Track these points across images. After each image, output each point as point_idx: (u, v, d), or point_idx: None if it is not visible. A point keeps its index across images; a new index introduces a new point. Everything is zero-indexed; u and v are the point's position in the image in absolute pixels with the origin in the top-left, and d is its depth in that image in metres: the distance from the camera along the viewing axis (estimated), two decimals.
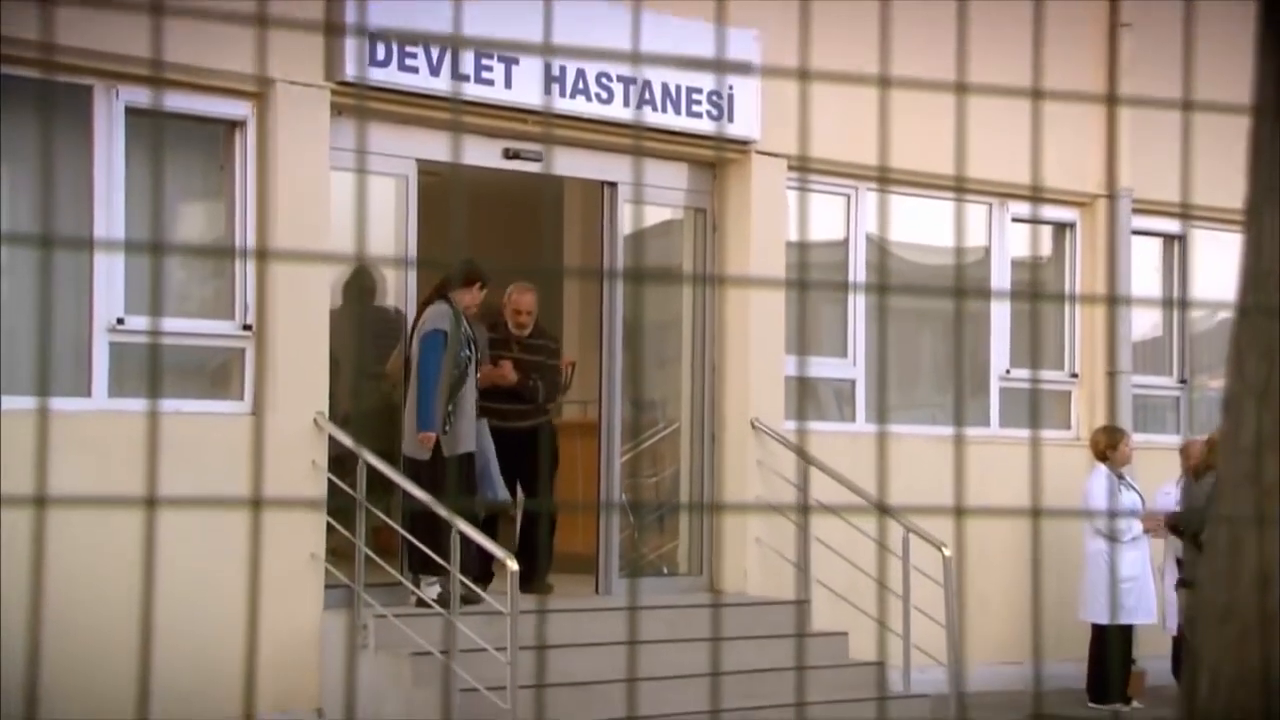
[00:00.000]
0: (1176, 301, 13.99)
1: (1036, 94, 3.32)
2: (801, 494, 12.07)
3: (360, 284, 11.64)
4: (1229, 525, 2.84)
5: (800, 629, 11.86)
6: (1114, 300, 13.05)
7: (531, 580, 11.66)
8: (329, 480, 10.70)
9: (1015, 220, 13.94)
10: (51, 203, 9.81)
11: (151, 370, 10.51)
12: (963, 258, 13.70)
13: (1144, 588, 12.75)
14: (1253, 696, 2.73)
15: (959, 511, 2.80)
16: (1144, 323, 14.84)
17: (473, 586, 10.38)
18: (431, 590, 10.75)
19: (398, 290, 11.67)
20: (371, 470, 10.47)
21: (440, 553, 10.21)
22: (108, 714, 9.59)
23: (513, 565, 9.96)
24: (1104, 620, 12.59)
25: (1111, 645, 12.71)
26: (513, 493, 11.82)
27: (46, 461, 2.95)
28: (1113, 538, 12.62)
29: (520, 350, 11.92)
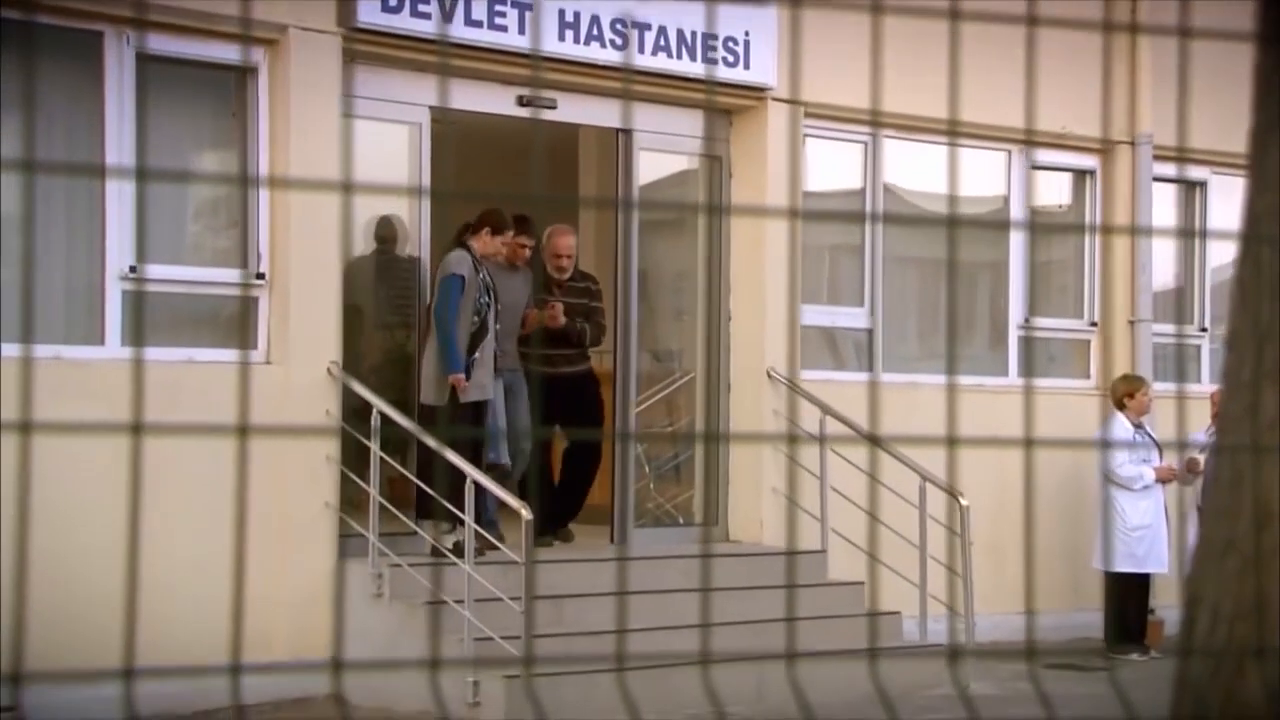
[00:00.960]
0: (1198, 233, 13.87)
1: (1031, 21, 3.24)
2: (815, 439, 12.02)
3: (380, 234, 11.59)
4: (1230, 460, 2.81)
5: (816, 579, 11.83)
6: (1135, 232, 12.92)
7: (556, 527, 11.72)
8: (345, 431, 10.67)
9: (1034, 168, 13.83)
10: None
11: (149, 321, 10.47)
12: (977, 205, 13.60)
13: (1156, 536, 12.69)
14: (1251, 631, 2.70)
15: (951, 441, 2.75)
16: (1164, 273, 14.73)
17: (487, 535, 10.38)
18: (448, 539, 10.72)
19: (413, 237, 11.59)
20: (387, 421, 10.44)
21: (454, 501, 10.19)
22: (114, 663, 9.58)
23: (526, 515, 9.94)
24: (1114, 568, 12.56)
25: (1110, 592, 12.67)
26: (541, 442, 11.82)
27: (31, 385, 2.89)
28: (1108, 478, 12.52)
29: (562, 293, 11.73)
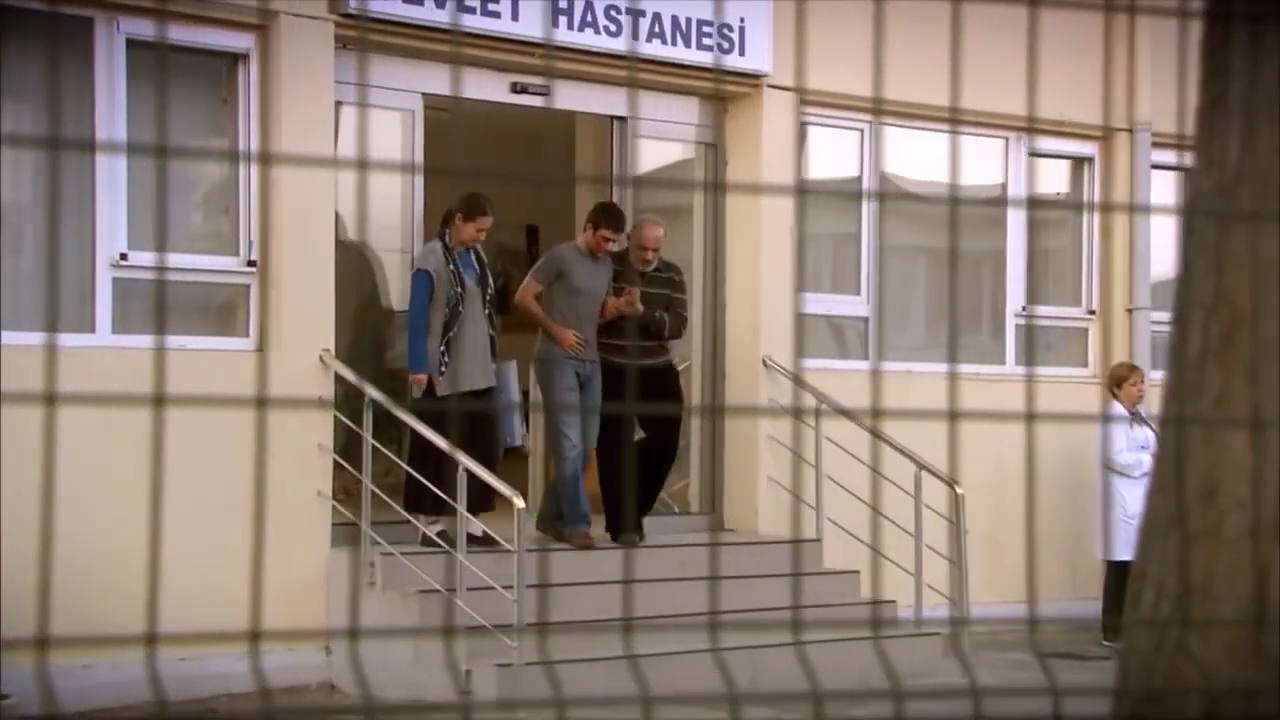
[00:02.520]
0: (1192, 212, 13.79)
1: (1033, 2, 3.21)
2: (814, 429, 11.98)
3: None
4: (1174, 437, 2.80)
5: (812, 567, 11.80)
6: (1133, 209, 12.87)
7: (622, 527, 11.45)
8: (339, 420, 10.64)
9: (1032, 155, 13.78)
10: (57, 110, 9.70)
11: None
12: (973, 191, 13.54)
13: None
14: (1196, 607, 2.71)
15: (953, 416, 2.73)
16: (1162, 262, 14.67)
17: (474, 520, 10.33)
18: (434, 528, 10.69)
19: (405, 224, 11.54)
20: (382, 411, 10.41)
21: (443, 490, 10.17)
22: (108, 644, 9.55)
23: (519, 503, 9.90)
24: (1114, 556, 12.52)
25: (1110, 580, 12.63)
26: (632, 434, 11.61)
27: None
28: (1108, 466, 12.46)
29: (643, 283, 11.50)
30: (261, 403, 2.75)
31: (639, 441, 11.75)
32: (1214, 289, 2.79)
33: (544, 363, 11.24)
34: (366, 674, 9.97)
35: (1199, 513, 2.75)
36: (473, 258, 10.82)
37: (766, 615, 10.95)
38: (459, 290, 10.65)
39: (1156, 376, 13.42)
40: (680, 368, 12.76)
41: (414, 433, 10.39)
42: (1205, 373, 2.79)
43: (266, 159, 10.42)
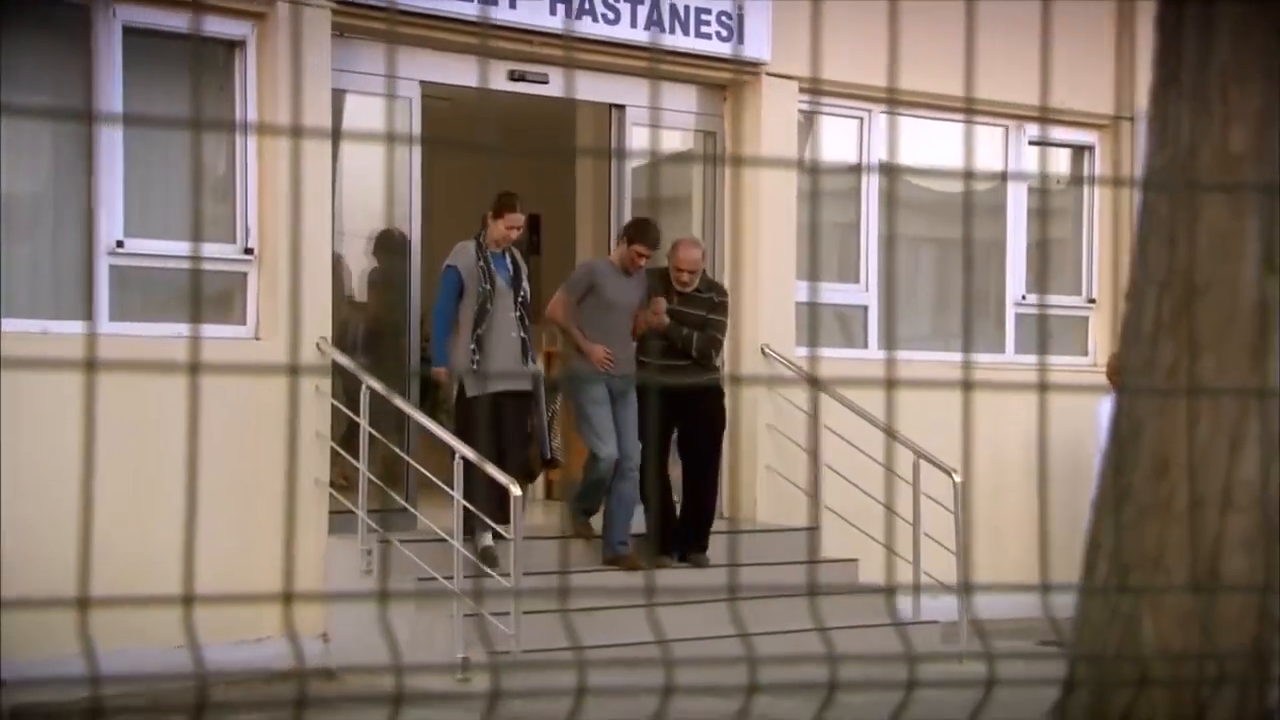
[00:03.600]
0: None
1: None
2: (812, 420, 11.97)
3: (388, 244, 11.57)
4: (1128, 411, 2.81)
5: (811, 555, 11.79)
6: (1133, 183, 12.80)
7: (686, 548, 11.26)
8: (337, 408, 10.66)
9: (1032, 143, 13.75)
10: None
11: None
12: (974, 181, 13.51)
13: None
14: (1148, 578, 2.72)
15: (967, 385, 2.74)
16: None
17: (486, 519, 10.26)
18: (483, 539, 10.46)
19: (402, 210, 11.52)
20: (383, 403, 10.40)
21: (481, 503, 10.08)
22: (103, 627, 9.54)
23: (516, 491, 9.90)
24: None
25: None
26: (666, 452, 11.31)
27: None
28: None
29: (680, 302, 11.24)
30: (294, 370, 2.74)
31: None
32: (1167, 264, 2.79)
33: (573, 378, 11.07)
34: (361, 661, 10.02)
35: (1151, 486, 2.76)
36: (507, 259, 10.63)
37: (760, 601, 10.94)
38: (488, 288, 10.47)
39: None
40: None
41: (460, 437, 10.12)
42: (1158, 347, 2.80)
43: (265, 130, 10.41)
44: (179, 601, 2.94)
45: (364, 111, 11.30)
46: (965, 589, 11.25)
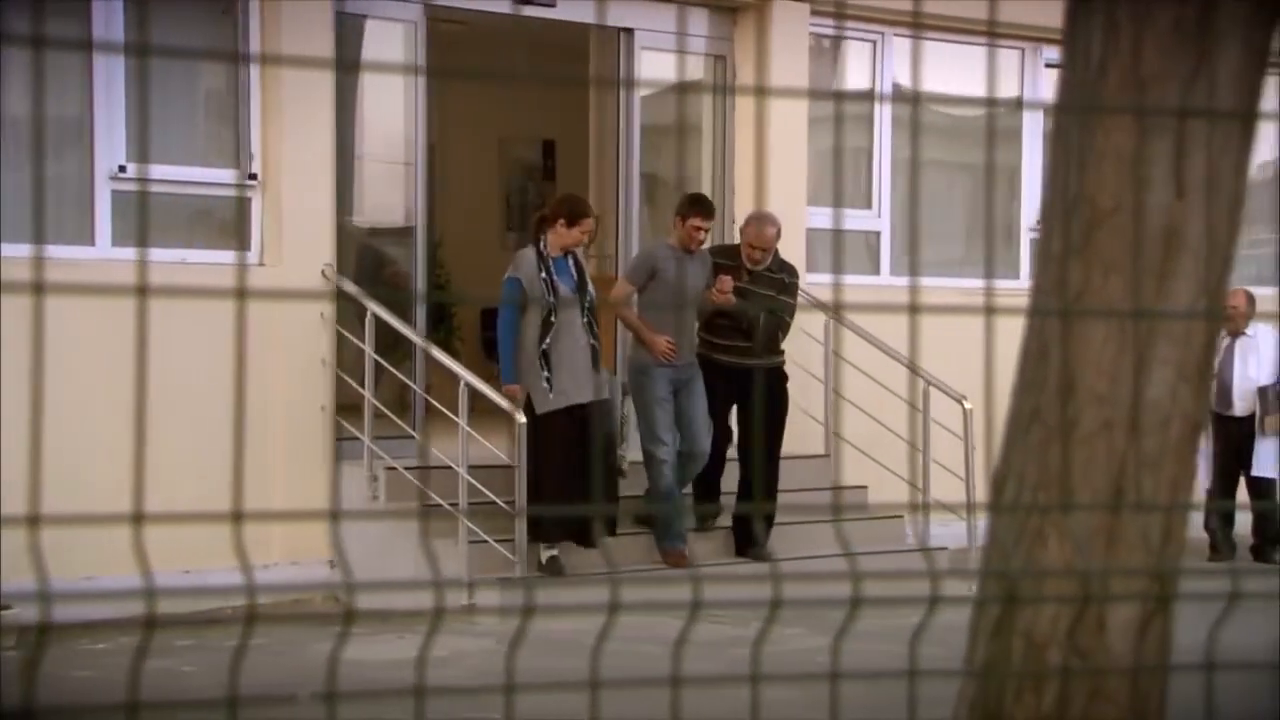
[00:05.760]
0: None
1: None
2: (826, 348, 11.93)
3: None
4: (1037, 333, 2.79)
5: (822, 483, 11.78)
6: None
7: (748, 540, 10.97)
8: (341, 334, 10.67)
9: (1049, 66, 13.60)
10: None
11: None
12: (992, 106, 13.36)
13: None
14: (1054, 498, 2.73)
15: (989, 311, 2.73)
16: None
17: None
18: (546, 554, 10.21)
19: (408, 137, 11.46)
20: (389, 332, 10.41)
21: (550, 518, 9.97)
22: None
23: (520, 419, 9.90)
24: None
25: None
26: (728, 436, 11.04)
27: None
28: None
29: (749, 281, 10.89)
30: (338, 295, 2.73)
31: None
32: (1076, 187, 2.76)
33: (636, 371, 10.71)
34: (368, 589, 10.05)
35: (1058, 407, 2.75)
36: (569, 264, 10.22)
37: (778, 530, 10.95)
38: (552, 299, 10.05)
39: None
40: None
41: (531, 453, 9.92)
42: (1067, 269, 2.78)
43: (265, 60, 10.37)
44: (129, 520, 2.93)
45: (377, 37, 11.23)
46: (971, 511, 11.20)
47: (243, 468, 9.43)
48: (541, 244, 10.12)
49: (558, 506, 9.96)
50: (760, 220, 11.02)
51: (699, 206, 10.68)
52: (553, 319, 10.00)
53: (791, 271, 11.17)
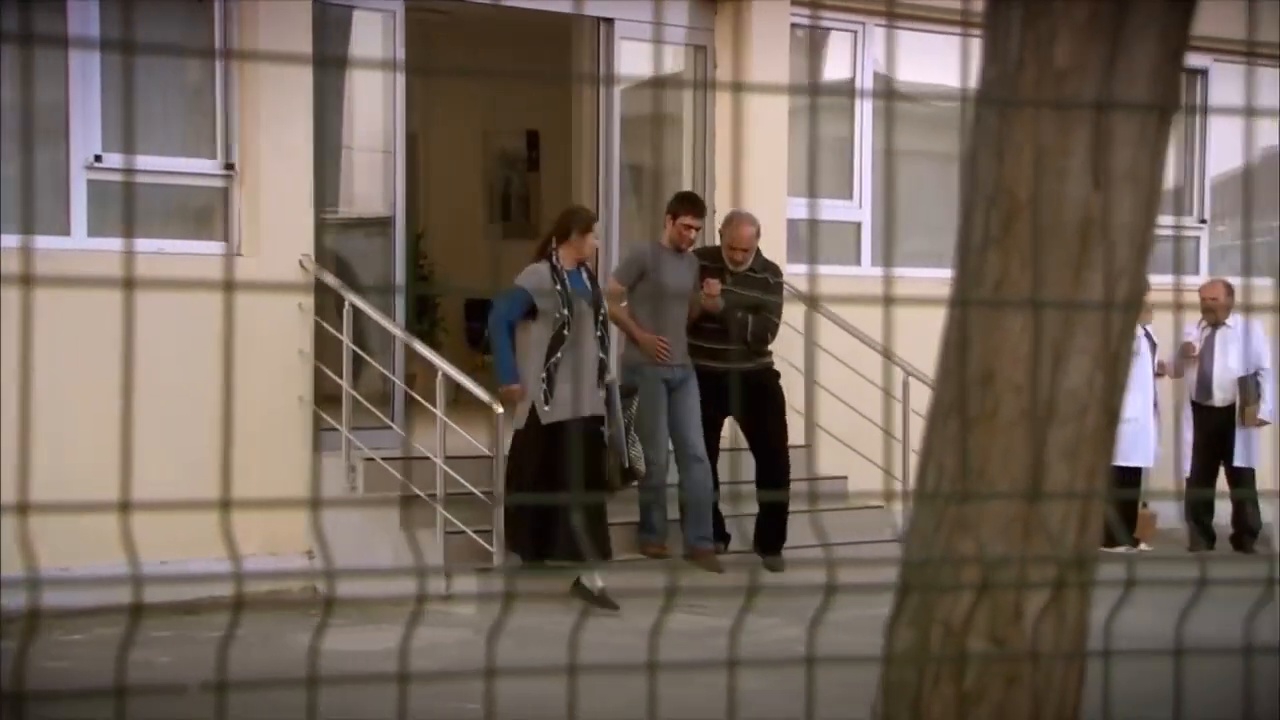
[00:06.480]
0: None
1: None
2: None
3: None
4: (957, 323, 2.82)
5: (801, 474, 11.78)
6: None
7: (762, 548, 10.79)
8: (319, 324, 10.68)
9: None
10: None
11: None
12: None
13: (1141, 430, 12.55)
14: (974, 487, 2.80)
15: (963, 303, 2.76)
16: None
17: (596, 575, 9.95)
18: (594, 582, 9.92)
19: (386, 127, 11.47)
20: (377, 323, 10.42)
21: (548, 533, 9.77)
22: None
23: (498, 409, 9.92)
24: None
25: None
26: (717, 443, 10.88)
27: None
28: None
29: (733, 282, 10.80)
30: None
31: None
32: (995, 178, 2.78)
33: (629, 371, 10.59)
34: (349, 576, 10.07)
35: (978, 397, 2.77)
36: (583, 275, 10.11)
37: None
38: (567, 313, 9.88)
39: (1158, 281, 13.29)
40: None
41: (509, 466, 9.89)
42: (986, 260, 2.80)
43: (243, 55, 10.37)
44: (116, 508, 2.94)
45: (356, 26, 11.22)
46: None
47: (230, 458, 9.41)
48: (554, 258, 9.97)
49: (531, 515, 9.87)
50: (738, 221, 10.96)
51: (690, 205, 10.64)
52: (566, 333, 9.84)
53: (775, 271, 11.10)
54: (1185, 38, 2.79)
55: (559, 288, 9.85)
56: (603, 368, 10.04)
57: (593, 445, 9.95)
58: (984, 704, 2.72)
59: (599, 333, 10.01)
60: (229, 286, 2.66)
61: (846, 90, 13.12)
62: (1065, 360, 2.75)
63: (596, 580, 9.86)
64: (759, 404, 10.81)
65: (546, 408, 9.82)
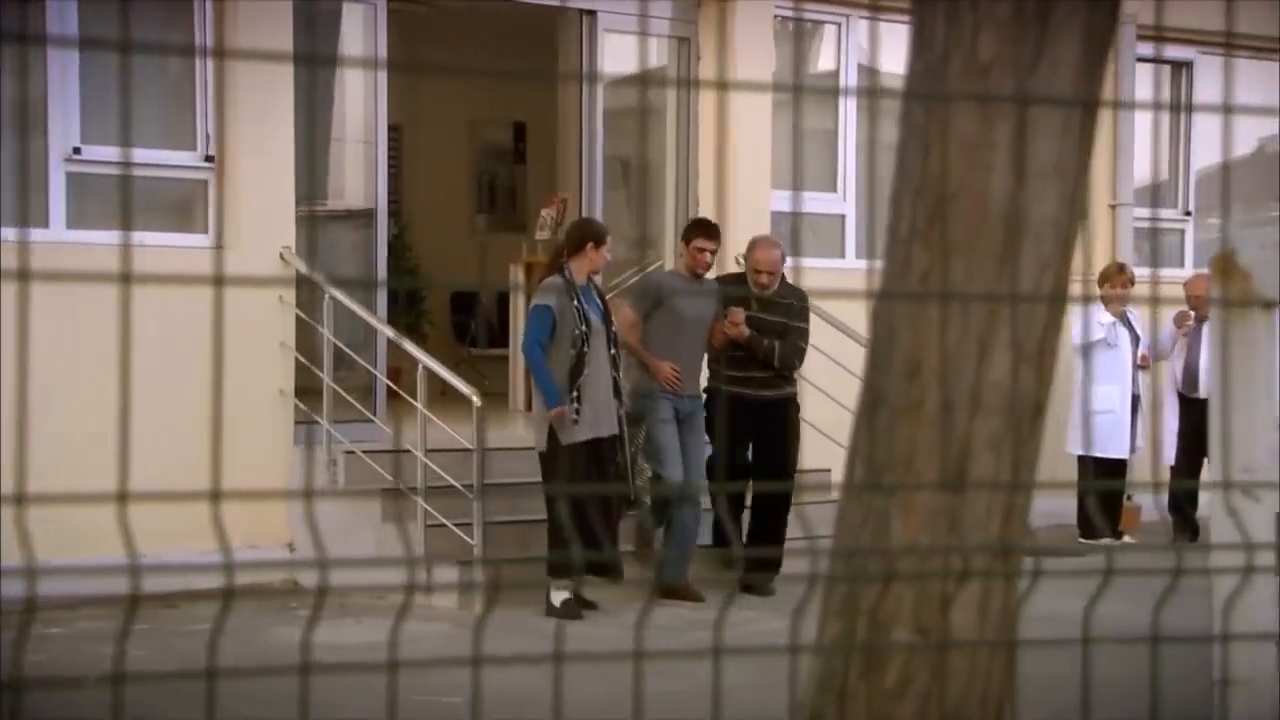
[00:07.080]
0: (1183, 107, 13.65)
1: None
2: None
3: None
4: (884, 316, 2.83)
5: None
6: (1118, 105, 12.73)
7: (751, 574, 10.46)
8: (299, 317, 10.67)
9: None
10: None
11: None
12: None
13: (1118, 422, 12.52)
14: (899, 478, 2.82)
15: (945, 296, 2.77)
16: (1145, 165, 14.46)
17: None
18: (558, 595, 9.82)
19: (367, 121, 11.47)
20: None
21: (559, 549, 9.64)
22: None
23: (477, 402, 9.92)
24: (1073, 450, 12.44)
25: (1079, 477, 12.56)
26: (744, 470, 10.61)
27: None
28: (1086, 352, 12.11)
29: (759, 309, 10.57)
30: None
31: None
32: (920, 171, 2.79)
33: (640, 396, 10.29)
34: (335, 566, 10.06)
35: (903, 389, 2.79)
36: (593, 291, 9.96)
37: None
38: (584, 329, 9.74)
39: (1144, 274, 13.32)
40: (653, 269, 12.69)
41: (547, 491, 9.80)
42: (913, 252, 2.81)
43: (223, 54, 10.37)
44: (114, 499, 2.95)
45: (337, 18, 11.22)
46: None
47: (220, 450, 9.42)
48: (566, 272, 9.82)
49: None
50: (763, 244, 10.78)
51: (703, 229, 10.46)
52: (585, 349, 9.70)
53: (801, 295, 10.80)
54: (1110, 33, 2.80)
55: (574, 304, 9.70)
56: (616, 386, 9.89)
57: (608, 460, 9.81)
58: (909, 694, 2.74)
59: (612, 350, 9.86)
60: (219, 281, 2.68)
61: (830, 85, 13.11)
62: (990, 353, 2.76)
63: (560, 591, 9.81)
64: (775, 434, 10.61)
65: (576, 426, 9.66)
